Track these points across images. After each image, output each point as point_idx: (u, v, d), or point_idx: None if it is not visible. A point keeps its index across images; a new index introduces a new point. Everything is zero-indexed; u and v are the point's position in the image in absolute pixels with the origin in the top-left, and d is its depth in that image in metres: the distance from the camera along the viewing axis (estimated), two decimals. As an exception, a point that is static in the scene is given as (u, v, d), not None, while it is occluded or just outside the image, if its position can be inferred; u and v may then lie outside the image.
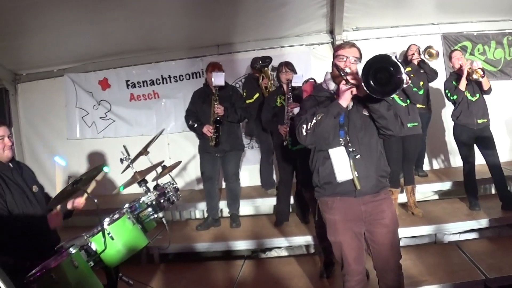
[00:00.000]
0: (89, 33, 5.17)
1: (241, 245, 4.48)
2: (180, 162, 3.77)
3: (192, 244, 4.52)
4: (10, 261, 2.52)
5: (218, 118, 4.45)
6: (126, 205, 2.87)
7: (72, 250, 2.35)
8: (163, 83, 5.84)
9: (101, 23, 4.91)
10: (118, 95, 5.98)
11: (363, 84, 2.17)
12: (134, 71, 5.89)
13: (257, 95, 5.09)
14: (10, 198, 2.68)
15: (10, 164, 2.81)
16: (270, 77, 5.20)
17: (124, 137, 5.87)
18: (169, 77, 5.81)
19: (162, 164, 3.35)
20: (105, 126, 6.11)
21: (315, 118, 2.41)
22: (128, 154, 3.25)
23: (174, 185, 3.21)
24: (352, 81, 2.29)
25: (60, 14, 4.71)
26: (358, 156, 2.40)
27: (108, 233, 2.53)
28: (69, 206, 2.89)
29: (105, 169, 2.75)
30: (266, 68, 5.15)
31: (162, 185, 3.14)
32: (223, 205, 5.05)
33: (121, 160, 3.24)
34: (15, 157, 2.90)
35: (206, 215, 5.04)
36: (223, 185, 5.08)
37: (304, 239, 4.36)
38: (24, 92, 6.43)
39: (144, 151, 3.47)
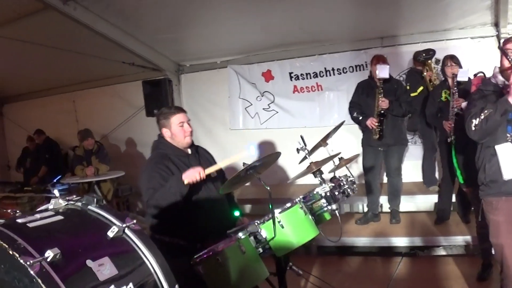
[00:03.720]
0: (253, 25, 7.03)
1: (400, 241, 5.97)
2: (358, 155, 5.16)
3: (351, 238, 6.12)
4: (181, 242, 3.45)
5: (382, 112, 5.90)
6: (301, 196, 3.64)
7: (241, 236, 3.08)
8: (326, 76, 7.61)
9: (265, 15, 6.68)
10: (281, 86, 7.98)
11: None
12: (298, 63, 7.80)
13: (421, 88, 6.45)
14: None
15: (188, 150, 3.85)
16: (434, 70, 6.48)
17: (287, 129, 7.85)
18: (333, 69, 7.55)
19: (339, 156, 4.42)
20: (268, 117, 8.20)
21: (483, 113, 2.96)
22: (305, 144, 4.18)
23: (350, 178, 4.07)
24: None
25: (224, 6, 6.52)
26: None
27: (279, 221, 3.29)
28: None
29: (251, 148, 3.92)
30: (429, 61, 6.45)
31: (338, 177, 4.01)
32: (383, 200, 6.61)
33: (298, 150, 4.19)
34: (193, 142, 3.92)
35: (366, 209, 6.68)
36: (385, 179, 6.61)
37: (463, 239, 5.63)
38: (187, 82, 8.97)
39: (323, 142, 4.50)
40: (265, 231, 3.25)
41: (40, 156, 10.11)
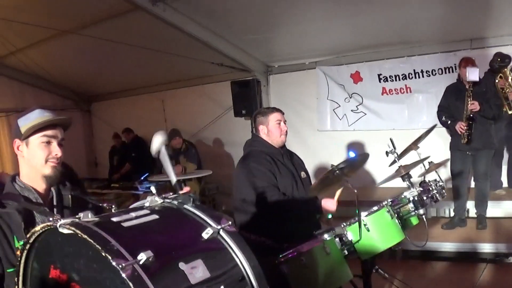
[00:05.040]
0: (343, 26, 7.73)
1: (485, 247, 6.47)
2: (447, 159, 5.66)
3: (436, 243, 6.68)
4: (268, 241, 3.73)
5: (471, 115, 6.42)
6: (390, 199, 3.87)
7: (327, 237, 3.29)
8: (415, 78, 8.25)
9: (356, 16, 7.33)
10: (370, 88, 8.71)
11: None
12: (386, 65, 8.49)
13: None
14: (280, 179, 4.08)
15: (281, 149, 4.31)
16: (509, 80, 6.82)
17: (375, 131, 8.55)
18: (422, 71, 8.16)
19: (428, 160, 4.69)
20: (356, 119, 8.96)
21: None
22: (394, 147, 4.46)
23: (440, 183, 4.28)
24: None
25: (313, 7, 7.21)
26: None
27: (365, 224, 3.53)
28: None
29: (351, 153, 4.41)
30: (505, 69, 6.82)
31: (428, 181, 4.25)
32: (470, 205, 7.16)
33: (387, 153, 4.49)
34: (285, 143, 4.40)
35: (452, 214, 7.27)
36: (472, 184, 7.18)
37: (551, 246, 6.10)
38: (275, 83, 9.90)
39: (414, 146, 4.83)
40: (351, 233, 3.50)
41: (127, 154, 11.31)
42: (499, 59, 6.77)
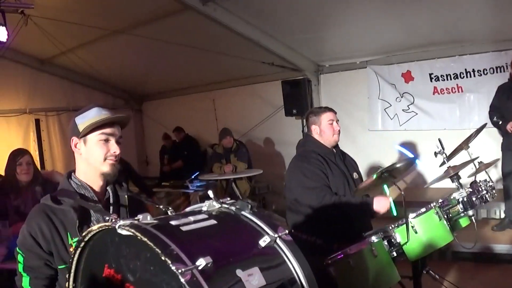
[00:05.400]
0: (394, 25, 7.89)
1: None
2: (498, 159, 5.77)
3: (487, 245, 6.83)
4: (319, 241, 3.95)
5: None
6: (440, 200, 3.94)
7: (375, 239, 3.39)
8: (466, 77, 8.38)
9: (407, 15, 7.47)
10: (421, 88, 8.88)
11: None
12: (438, 64, 8.64)
13: None
14: (332, 179, 4.18)
15: (334, 149, 4.41)
16: None
17: (426, 131, 8.71)
18: (473, 71, 8.29)
19: (478, 160, 4.80)
20: (407, 119, 9.14)
21: None
22: (443, 148, 4.46)
23: (490, 183, 4.25)
24: None
25: (365, 6, 7.31)
26: None
27: (412, 226, 3.60)
28: None
29: (417, 162, 4.66)
30: None
31: (477, 182, 4.23)
32: (521, 207, 7.25)
33: (435, 154, 4.49)
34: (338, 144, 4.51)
35: (503, 215, 7.42)
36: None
37: None
38: (326, 82, 10.13)
39: (465, 145, 4.87)
40: (399, 235, 3.57)
41: (179, 153, 11.71)
42: None
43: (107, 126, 2.58)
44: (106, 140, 2.58)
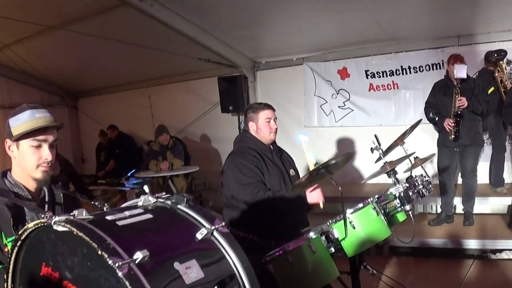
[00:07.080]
0: (330, 22, 7.72)
1: (472, 244, 6.55)
2: (433, 154, 5.67)
3: (423, 239, 6.75)
4: (256, 238, 3.88)
5: (459, 112, 6.45)
6: (377, 196, 3.91)
7: (313, 235, 3.32)
8: (403, 74, 8.27)
9: (343, 12, 7.33)
10: (357, 84, 8.72)
11: None
12: (374, 61, 8.51)
13: (492, 89, 6.93)
14: (268, 176, 4.11)
15: (271, 146, 4.33)
16: (506, 71, 6.97)
17: (362, 127, 8.57)
18: (409, 68, 8.20)
19: (414, 156, 4.73)
20: (343, 115, 8.96)
21: None
22: (379, 144, 4.46)
23: (426, 178, 4.29)
24: None
25: (302, 3, 7.19)
26: None
27: (350, 222, 3.56)
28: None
29: (302, 136, 4.06)
30: (501, 62, 6.93)
31: (413, 177, 4.24)
32: (457, 201, 7.21)
33: (372, 150, 4.48)
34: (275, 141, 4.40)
35: (439, 210, 7.32)
36: (459, 180, 7.23)
37: (537, 242, 6.15)
38: (262, 79, 9.90)
39: (400, 141, 4.94)
40: (337, 231, 3.52)
41: (113, 151, 11.32)
42: (495, 54, 6.99)
43: (39, 132, 2.49)
44: (39, 146, 2.51)
